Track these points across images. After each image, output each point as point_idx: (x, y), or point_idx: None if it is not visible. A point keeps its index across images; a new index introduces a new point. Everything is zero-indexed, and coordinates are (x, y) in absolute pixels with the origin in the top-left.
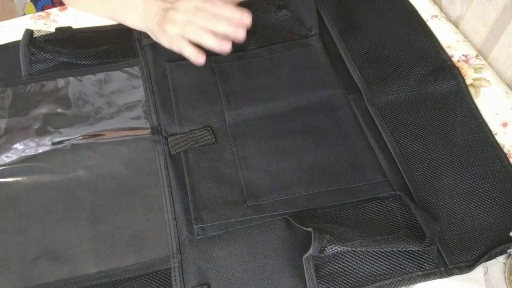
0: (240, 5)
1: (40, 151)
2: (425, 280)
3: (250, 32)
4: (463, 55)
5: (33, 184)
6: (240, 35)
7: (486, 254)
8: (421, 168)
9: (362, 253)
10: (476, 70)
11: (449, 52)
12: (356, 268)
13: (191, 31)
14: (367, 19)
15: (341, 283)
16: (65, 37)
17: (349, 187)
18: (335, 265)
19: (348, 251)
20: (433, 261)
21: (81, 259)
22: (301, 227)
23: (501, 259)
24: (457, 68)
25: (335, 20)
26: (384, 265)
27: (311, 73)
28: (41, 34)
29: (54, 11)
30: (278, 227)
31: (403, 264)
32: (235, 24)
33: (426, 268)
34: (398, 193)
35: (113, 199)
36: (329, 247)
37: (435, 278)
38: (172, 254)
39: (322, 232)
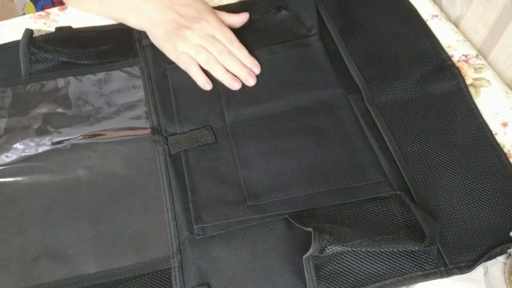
0: (240, 5)
1: (40, 151)
2: (425, 280)
3: (250, 33)
4: (463, 55)
5: (33, 184)
6: (251, 83)
7: (486, 254)
8: (421, 168)
9: (362, 253)
10: (476, 70)
11: (449, 52)
12: (356, 268)
13: (204, 58)
14: (367, 19)
15: (341, 283)
16: (65, 37)
17: (349, 187)
18: (335, 265)
19: (348, 251)
20: (433, 261)
21: (81, 259)
22: (301, 227)
23: (501, 259)
24: (457, 68)
25: (335, 20)
26: (384, 265)
27: (311, 73)
28: (41, 33)
29: (54, 10)
30: (278, 227)
31: (403, 264)
32: (247, 71)
33: (426, 268)
34: (398, 193)
35: (113, 199)
36: (329, 247)
37: (435, 278)
38: (172, 254)
39: (322, 232)
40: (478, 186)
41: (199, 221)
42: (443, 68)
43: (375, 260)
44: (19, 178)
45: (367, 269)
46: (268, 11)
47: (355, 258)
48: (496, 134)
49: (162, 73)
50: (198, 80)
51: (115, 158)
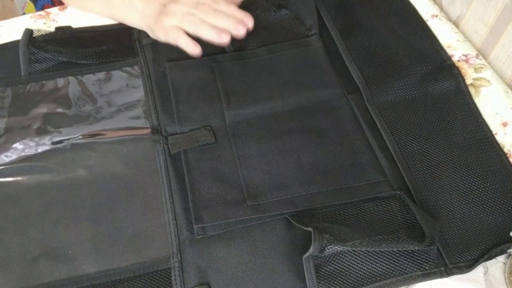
0: (241, 5)
1: (40, 150)
2: (425, 280)
3: (250, 31)
4: (463, 55)
5: (33, 184)
6: (240, 31)
7: (486, 254)
8: (421, 167)
9: (362, 253)
10: (476, 70)
11: (449, 52)
12: (356, 267)
13: (189, 22)
14: (367, 18)
15: (341, 282)
16: (65, 36)
17: (349, 187)
18: (335, 265)
19: (348, 251)
20: (433, 261)
21: (81, 259)
22: (301, 227)
23: (501, 259)
24: (457, 68)
25: (335, 20)
26: (384, 265)
27: (311, 73)
28: (41, 33)
29: (54, 10)
30: (278, 227)
31: (403, 264)
32: (236, 21)
33: (426, 267)
34: (398, 192)
35: (113, 199)
36: (329, 247)
37: (435, 278)
38: (172, 253)
39: (322, 232)
40: (478, 186)
41: (199, 221)
42: (443, 68)
43: (375, 260)
44: (19, 178)
45: (367, 269)
46: (269, 8)
47: (355, 258)
48: (496, 134)
49: (162, 73)
50: (186, 47)
51: (115, 158)
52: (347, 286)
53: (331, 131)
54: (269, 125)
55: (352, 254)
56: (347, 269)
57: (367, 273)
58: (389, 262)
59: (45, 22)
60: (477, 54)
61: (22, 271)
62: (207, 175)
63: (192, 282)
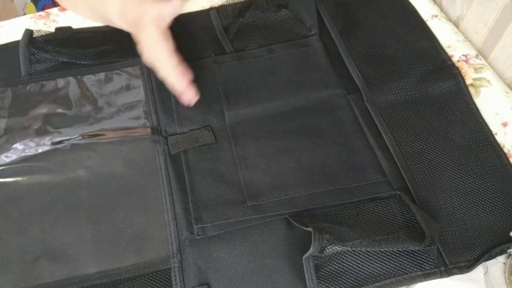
0: (240, 5)
1: (40, 151)
2: (425, 280)
3: (250, 31)
4: (463, 55)
5: (33, 184)
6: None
7: (486, 254)
8: (421, 168)
9: (362, 253)
10: (476, 70)
11: (449, 52)
12: (356, 268)
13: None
14: (367, 19)
15: (341, 283)
16: (65, 37)
17: (349, 187)
18: (335, 265)
19: (348, 251)
20: (433, 261)
21: (81, 259)
22: (301, 227)
23: (501, 259)
24: (457, 68)
25: (335, 20)
26: (384, 265)
27: (311, 73)
28: (41, 34)
29: (54, 11)
30: (278, 227)
31: (403, 264)
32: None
33: (426, 267)
34: (398, 193)
35: (113, 199)
36: (329, 247)
37: (435, 278)
38: (172, 254)
39: (322, 232)
40: (478, 186)
41: (199, 221)
42: (443, 68)
43: (375, 260)
44: (19, 178)
45: (367, 269)
46: (269, 8)
47: (355, 258)
48: (496, 134)
49: None
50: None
51: (115, 158)
52: (347, 286)
53: (331, 131)
54: (269, 125)
55: (352, 254)
56: (347, 269)
57: (367, 273)
58: (389, 262)
59: (45, 23)
60: (477, 54)
61: (22, 271)
62: (207, 175)
63: (192, 283)
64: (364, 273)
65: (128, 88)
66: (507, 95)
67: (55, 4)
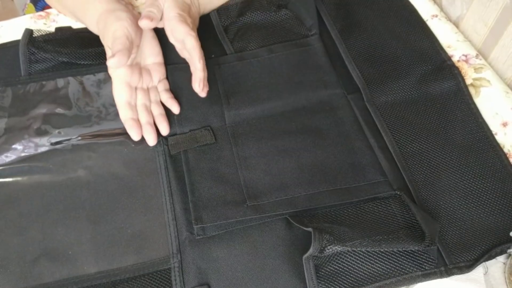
0: (241, 5)
1: (39, 151)
2: (425, 280)
3: (250, 31)
4: (463, 55)
5: (33, 184)
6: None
7: (486, 254)
8: (421, 168)
9: (362, 253)
10: (476, 70)
11: (449, 52)
12: (356, 268)
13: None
14: (367, 18)
15: (341, 283)
16: (65, 37)
17: (349, 187)
18: (335, 265)
19: (348, 251)
20: (433, 261)
21: (81, 259)
22: (301, 227)
23: (501, 259)
24: (457, 68)
25: (335, 20)
26: (384, 265)
27: (311, 73)
28: (40, 33)
29: (54, 11)
30: (278, 227)
31: (403, 264)
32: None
33: (426, 268)
34: (398, 193)
35: (113, 199)
36: (329, 247)
37: (435, 278)
38: (172, 254)
39: (322, 232)
40: (478, 186)
41: (199, 221)
42: (443, 68)
43: (375, 260)
44: (19, 178)
45: (367, 269)
46: (269, 8)
47: (355, 258)
48: (496, 134)
49: None
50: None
51: (115, 159)
52: (347, 286)
53: (331, 131)
54: (269, 125)
55: (352, 254)
56: (347, 269)
57: (367, 273)
58: (389, 262)
59: (45, 23)
60: (477, 54)
61: (22, 271)
62: (207, 175)
63: (192, 283)
64: (364, 273)
65: None
66: (507, 95)
67: None
